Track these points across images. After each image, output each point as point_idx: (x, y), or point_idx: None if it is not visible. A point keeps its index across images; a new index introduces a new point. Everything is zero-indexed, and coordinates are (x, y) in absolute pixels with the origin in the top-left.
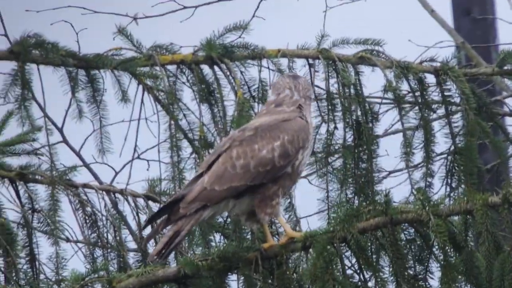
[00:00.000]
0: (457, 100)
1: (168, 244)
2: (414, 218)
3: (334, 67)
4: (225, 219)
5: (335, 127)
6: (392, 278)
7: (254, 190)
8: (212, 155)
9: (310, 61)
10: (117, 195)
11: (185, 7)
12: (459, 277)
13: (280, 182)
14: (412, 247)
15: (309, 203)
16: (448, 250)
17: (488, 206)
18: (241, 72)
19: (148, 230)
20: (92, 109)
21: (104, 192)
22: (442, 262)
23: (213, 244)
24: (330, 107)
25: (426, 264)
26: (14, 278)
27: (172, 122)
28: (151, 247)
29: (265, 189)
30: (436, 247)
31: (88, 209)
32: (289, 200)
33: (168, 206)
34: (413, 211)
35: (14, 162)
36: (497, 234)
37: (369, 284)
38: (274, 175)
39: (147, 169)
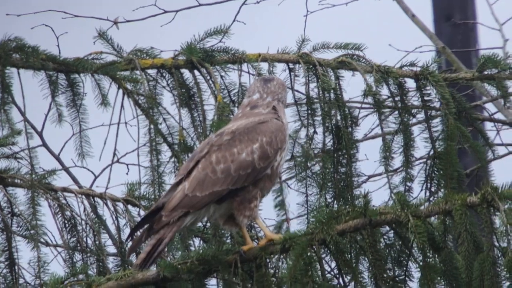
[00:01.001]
0: (437, 104)
1: (151, 253)
2: (393, 219)
3: (314, 72)
4: (204, 223)
5: (315, 132)
6: (371, 280)
7: (234, 194)
8: (190, 161)
9: (291, 65)
10: (97, 199)
11: (165, 12)
12: (438, 278)
13: (259, 185)
14: (391, 250)
15: (288, 207)
16: (427, 251)
17: (467, 206)
18: (221, 76)
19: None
20: (72, 113)
21: (83, 196)
22: (421, 263)
23: (193, 248)
24: (310, 111)
25: (405, 266)
26: None
27: (152, 126)
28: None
29: (244, 192)
30: (415, 248)
31: (68, 213)
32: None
33: (149, 215)
34: (392, 212)
35: None
36: (476, 234)
37: (349, 286)
38: (255, 177)
39: (127, 173)
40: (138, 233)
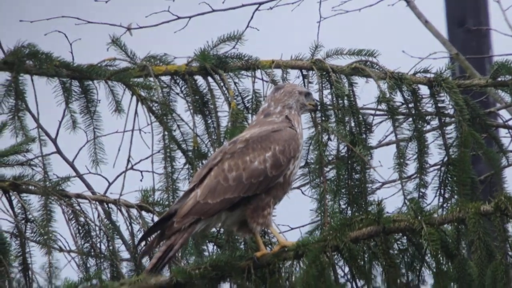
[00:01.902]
0: (451, 111)
1: (162, 258)
2: (406, 226)
3: (327, 78)
4: (218, 229)
5: (329, 138)
6: (384, 286)
7: (247, 201)
8: (204, 168)
9: (304, 72)
10: (110, 205)
11: (179, 18)
12: (452, 284)
13: (272, 193)
14: (405, 256)
15: (302, 213)
16: (441, 258)
17: (480, 214)
18: (235, 83)
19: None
20: (86, 120)
21: (97, 202)
22: (434, 270)
23: (206, 254)
24: (323, 118)
25: (419, 272)
26: (7, 287)
27: (166, 132)
28: (147, 262)
29: (257, 200)
30: (429, 255)
31: (82, 219)
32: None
33: (162, 221)
34: (405, 219)
35: (8, 172)
36: (489, 242)
37: None
38: (267, 185)
39: (141, 180)
40: (151, 238)
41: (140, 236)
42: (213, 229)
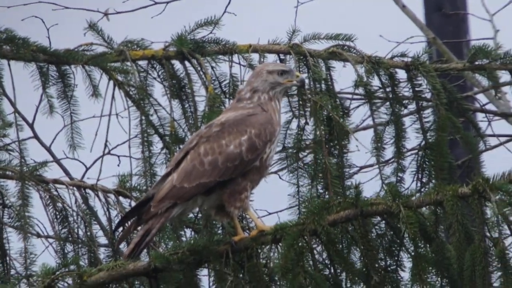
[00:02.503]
0: (428, 95)
1: (139, 243)
2: (384, 210)
3: (305, 62)
4: (196, 214)
5: (306, 122)
6: (363, 270)
7: (223, 185)
8: (180, 152)
9: (281, 56)
10: (88, 190)
11: (156, 3)
12: (430, 268)
13: (249, 177)
14: (383, 240)
15: (280, 198)
16: (419, 242)
17: (458, 197)
18: (212, 68)
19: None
20: (63, 105)
21: (74, 188)
22: (412, 254)
23: (184, 239)
24: (301, 102)
25: (397, 256)
26: None
27: (143, 117)
28: (124, 247)
29: (234, 184)
30: (407, 238)
31: (59, 204)
32: None
33: (139, 206)
34: (383, 202)
35: None
36: (468, 225)
37: (340, 277)
38: (243, 169)
39: (118, 165)
40: (128, 223)
41: (117, 221)
42: (191, 214)
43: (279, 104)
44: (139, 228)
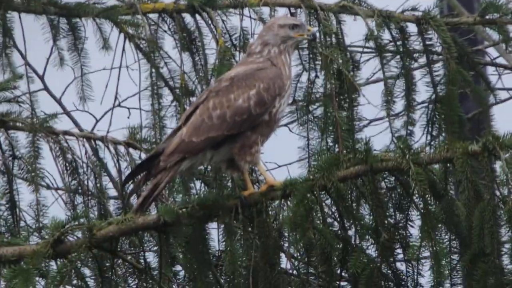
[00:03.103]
0: (439, 49)
1: (148, 197)
2: (394, 166)
3: (315, 16)
4: (206, 167)
5: (316, 76)
6: (372, 226)
7: (232, 139)
8: (191, 107)
9: (292, 10)
10: (98, 142)
11: None
12: (439, 225)
13: (258, 130)
14: (392, 195)
15: (289, 151)
16: (428, 199)
17: (468, 154)
18: (223, 21)
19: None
20: (73, 57)
21: (84, 139)
22: (422, 211)
23: (194, 191)
24: (311, 55)
25: (406, 212)
26: None
27: (153, 70)
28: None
29: (244, 138)
30: (416, 195)
31: (69, 156)
32: None
33: (149, 160)
34: (393, 159)
35: None
36: (477, 183)
37: (349, 232)
38: (251, 123)
39: (128, 117)
40: (138, 176)
41: (127, 173)
42: (200, 167)
43: (290, 58)
44: (148, 182)
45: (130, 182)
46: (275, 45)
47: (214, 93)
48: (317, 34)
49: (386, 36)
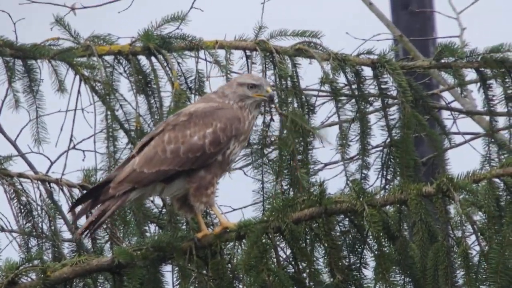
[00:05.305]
0: (394, 93)
1: (93, 223)
2: (348, 208)
3: (271, 59)
4: (160, 209)
5: (272, 119)
6: (326, 268)
7: (183, 175)
8: (146, 137)
9: (248, 52)
10: (53, 184)
11: None
12: (393, 267)
13: (213, 170)
14: (347, 238)
15: (244, 194)
16: (382, 240)
17: (422, 195)
18: (178, 63)
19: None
20: (29, 99)
21: (39, 182)
22: (376, 252)
23: (148, 234)
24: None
25: (361, 254)
26: None
27: (109, 112)
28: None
29: (200, 178)
30: (370, 237)
31: (23, 198)
32: None
33: (100, 187)
34: (347, 201)
35: None
36: (431, 224)
37: (304, 274)
38: (204, 162)
39: (83, 159)
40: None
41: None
42: (155, 209)
43: (252, 115)
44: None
45: (78, 209)
46: (234, 101)
47: (171, 127)
48: (274, 95)
49: (341, 79)
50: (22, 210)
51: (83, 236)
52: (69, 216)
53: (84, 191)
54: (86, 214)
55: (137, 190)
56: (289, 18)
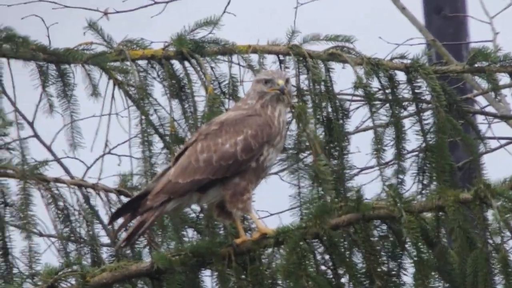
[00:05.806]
0: (428, 97)
1: (132, 234)
2: (386, 214)
3: (304, 64)
4: (197, 214)
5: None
6: (365, 274)
7: (218, 183)
8: (182, 148)
9: (281, 57)
10: (89, 189)
11: (156, 3)
12: (432, 273)
13: (247, 177)
14: (385, 243)
15: (281, 199)
16: (421, 246)
17: (459, 202)
18: (212, 68)
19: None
20: (63, 104)
21: (76, 187)
22: (415, 258)
23: (186, 239)
24: (300, 103)
25: (399, 260)
26: None
27: (143, 117)
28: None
29: (234, 185)
30: (409, 243)
31: (60, 203)
32: None
33: (139, 198)
34: (385, 207)
35: None
36: (470, 231)
37: (343, 280)
38: (237, 169)
39: (119, 164)
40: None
41: (119, 220)
42: (192, 214)
43: (276, 111)
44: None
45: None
46: (255, 99)
47: (203, 136)
48: (284, 87)
49: (375, 84)
50: (60, 215)
51: (123, 247)
52: (107, 222)
53: (121, 196)
54: (126, 227)
55: (174, 201)
56: (322, 23)
